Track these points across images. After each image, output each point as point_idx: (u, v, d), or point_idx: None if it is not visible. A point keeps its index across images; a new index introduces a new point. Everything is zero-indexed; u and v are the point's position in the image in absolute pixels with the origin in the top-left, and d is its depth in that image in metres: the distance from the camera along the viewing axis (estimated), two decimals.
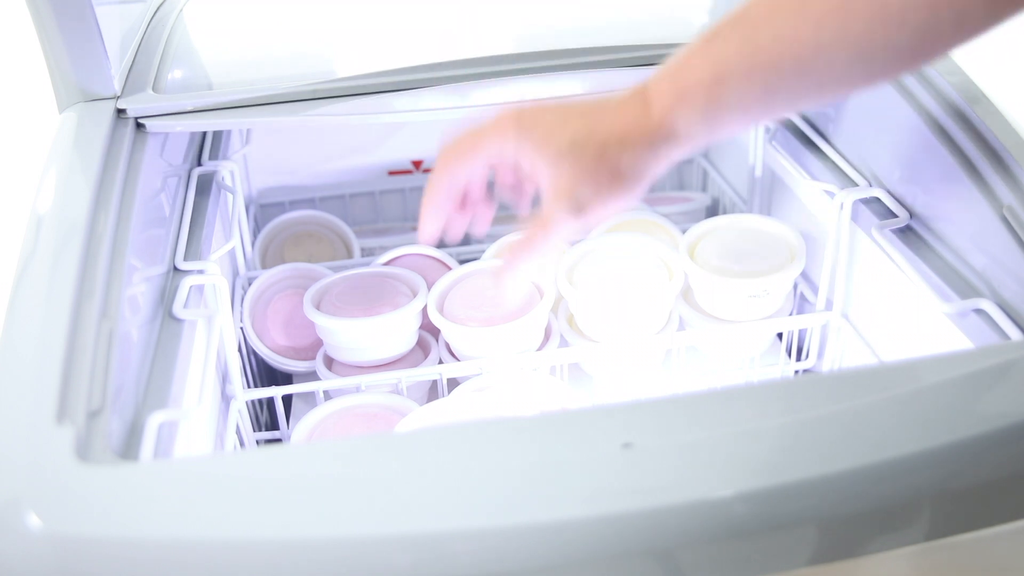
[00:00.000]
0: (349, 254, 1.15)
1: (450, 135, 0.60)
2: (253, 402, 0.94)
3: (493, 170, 0.61)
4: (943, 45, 0.48)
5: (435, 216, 0.61)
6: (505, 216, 1.26)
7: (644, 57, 0.86)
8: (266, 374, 1.03)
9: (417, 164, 1.27)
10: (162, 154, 0.84)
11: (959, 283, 0.74)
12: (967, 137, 0.75)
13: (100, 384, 0.55)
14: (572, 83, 0.84)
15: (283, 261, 1.11)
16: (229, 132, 1.05)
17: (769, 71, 0.50)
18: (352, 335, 0.89)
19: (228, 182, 0.95)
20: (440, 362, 0.93)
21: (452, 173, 0.60)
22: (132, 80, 0.84)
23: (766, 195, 1.07)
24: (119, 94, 0.81)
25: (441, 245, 1.24)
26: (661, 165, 0.56)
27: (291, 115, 0.81)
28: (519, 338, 0.89)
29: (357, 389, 0.88)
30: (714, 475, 0.47)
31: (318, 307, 0.91)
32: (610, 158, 0.55)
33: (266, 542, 0.45)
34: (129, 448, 0.57)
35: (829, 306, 0.95)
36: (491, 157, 0.59)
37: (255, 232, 1.18)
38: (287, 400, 0.95)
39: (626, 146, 0.55)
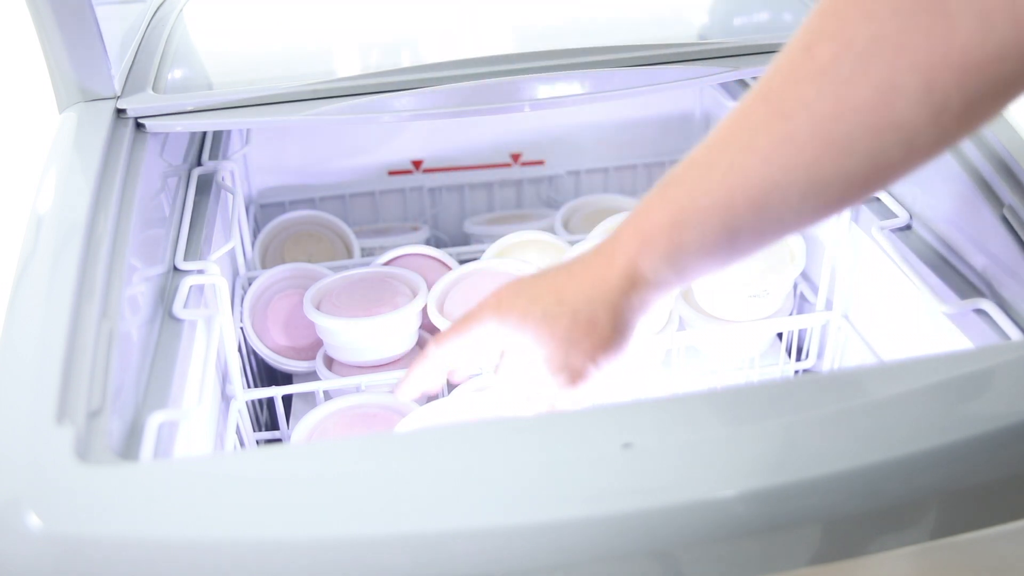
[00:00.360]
0: (349, 254, 1.15)
1: (447, 327, 0.64)
2: (253, 402, 0.94)
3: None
4: (896, 171, 0.47)
5: (417, 385, 0.65)
6: (505, 216, 1.27)
7: (644, 57, 0.86)
8: (266, 374, 1.03)
9: (417, 164, 1.27)
10: (162, 154, 0.84)
11: (959, 283, 0.74)
12: (967, 137, 0.75)
13: (100, 384, 0.55)
14: (572, 83, 0.84)
15: (283, 261, 1.11)
16: (229, 132, 1.05)
17: (725, 211, 0.50)
18: (352, 335, 0.89)
19: (228, 182, 0.95)
20: None
21: (442, 354, 0.63)
22: (132, 80, 0.84)
23: None
24: (119, 94, 0.81)
25: (441, 245, 1.24)
26: (638, 313, 0.57)
27: (291, 115, 0.81)
28: None
29: (357, 389, 0.88)
30: (714, 475, 0.47)
31: (318, 307, 0.91)
32: (583, 319, 0.56)
33: (266, 542, 0.45)
34: (129, 448, 0.57)
35: (829, 306, 0.95)
36: (479, 342, 0.61)
37: (255, 232, 1.18)
38: (287, 400, 0.95)
39: (597, 303, 0.56)
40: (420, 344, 0.95)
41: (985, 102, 0.43)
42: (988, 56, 0.41)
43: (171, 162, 0.88)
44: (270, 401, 0.95)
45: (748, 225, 0.50)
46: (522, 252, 1.01)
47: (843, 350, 0.95)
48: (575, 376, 0.57)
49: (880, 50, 0.43)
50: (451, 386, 0.89)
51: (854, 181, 0.47)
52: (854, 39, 0.44)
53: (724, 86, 1.13)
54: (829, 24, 0.45)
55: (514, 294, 0.59)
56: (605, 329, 0.56)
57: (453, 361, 0.64)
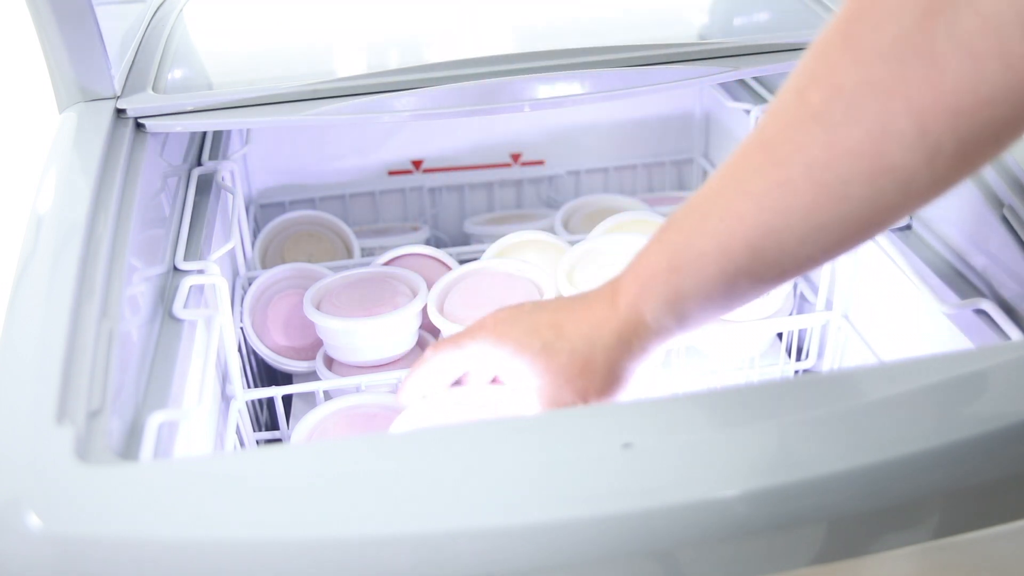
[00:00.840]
0: (349, 254, 1.15)
1: (439, 340, 0.63)
2: (253, 402, 0.94)
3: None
4: (894, 214, 0.46)
5: (416, 390, 0.65)
6: (505, 216, 1.27)
7: (644, 57, 0.86)
8: (266, 374, 1.03)
9: (417, 164, 1.27)
10: (162, 154, 0.84)
11: (959, 283, 0.74)
12: None
13: (100, 384, 0.55)
14: (572, 83, 0.84)
15: (283, 261, 1.11)
16: (229, 132, 1.05)
17: (722, 256, 0.49)
18: (352, 335, 0.89)
19: (228, 182, 0.95)
20: None
21: (433, 368, 0.63)
22: (132, 80, 0.84)
23: None
24: (119, 94, 0.81)
25: (441, 245, 1.24)
26: (637, 358, 0.56)
27: (291, 115, 0.81)
28: None
29: (357, 389, 0.88)
30: (714, 475, 0.47)
31: (318, 307, 0.91)
32: (580, 359, 0.55)
33: (266, 542, 0.45)
34: (129, 448, 0.57)
35: (829, 306, 0.95)
36: (471, 360, 0.61)
37: (255, 232, 1.18)
38: (287, 400, 0.95)
39: (595, 344, 0.55)
40: (420, 344, 0.95)
41: (980, 146, 0.43)
42: (980, 100, 0.41)
43: (171, 162, 0.88)
44: (270, 401, 0.95)
45: (746, 270, 0.49)
46: (522, 252, 1.01)
47: (843, 350, 0.95)
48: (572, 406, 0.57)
49: (871, 95, 0.43)
50: None
51: (852, 225, 0.47)
52: (844, 84, 0.44)
53: (724, 86, 1.13)
54: (819, 68, 0.45)
55: (513, 321, 0.59)
56: (600, 371, 0.56)
57: (448, 371, 0.63)
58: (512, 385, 0.62)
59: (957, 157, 0.43)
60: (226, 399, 0.85)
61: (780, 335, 1.03)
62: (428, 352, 0.64)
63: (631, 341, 0.55)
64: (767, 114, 0.48)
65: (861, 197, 0.45)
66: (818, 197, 0.46)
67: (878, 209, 0.46)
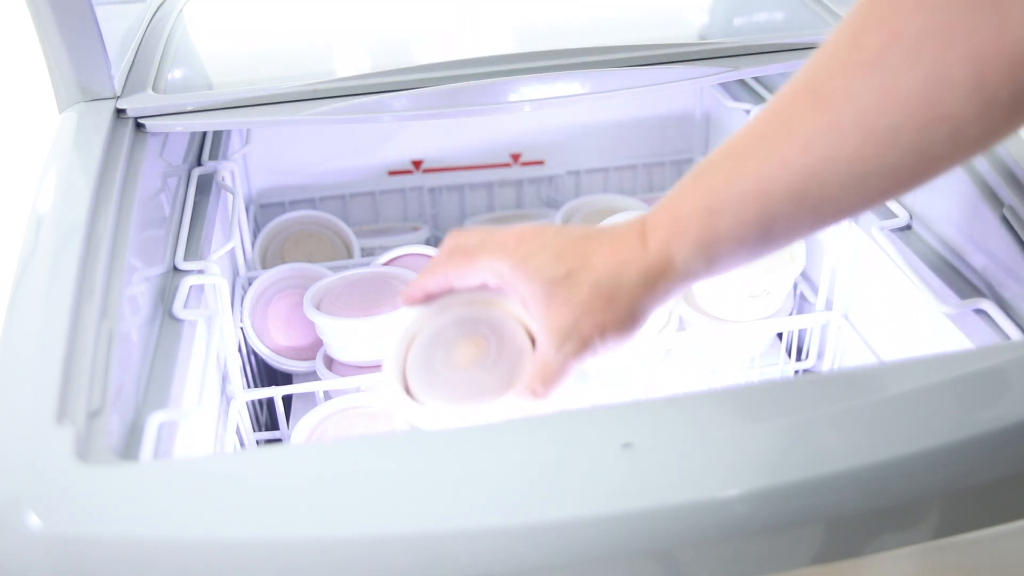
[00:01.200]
0: (349, 254, 1.15)
1: (460, 233, 0.60)
2: (253, 402, 0.94)
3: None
4: (940, 164, 0.46)
5: (421, 292, 0.62)
6: (505, 216, 1.27)
7: (644, 57, 0.86)
8: (266, 374, 1.03)
9: (417, 164, 1.27)
10: (162, 154, 0.84)
11: (959, 283, 0.74)
12: None
13: (100, 384, 0.55)
14: (572, 83, 0.84)
15: (283, 261, 1.11)
16: (229, 132, 1.05)
17: (761, 200, 0.48)
18: (352, 335, 0.89)
19: (228, 182, 0.95)
20: None
21: (446, 274, 0.60)
22: (132, 80, 0.84)
23: None
24: (119, 94, 0.81)
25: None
26: (659, 300, 0.54)
27: (291, 115, 0.81)
28: None
29: (357, 389, 0.88)
30: (714, 475, 0.47)
31: (318, 307, 0.91)
32: (604, 293, 0.53)
33: (266, 542, 0.45)
34: (129, 448, 0.57)
35: (829, 306, 0.95)
36: (485, 273, 0.58)
37: (255, 232, 1.18)
38: (287, 400, 0.95)
39: (621, 280, 0.53)
40: None
41: None
42: None
43: (171, 162, 0.88)
44: (270, 401, 0.95)
45: (784, 215, 0.49)
46: None
47: (843, 350, 0.95)
48: (582, 345, 0.54)
49: (930, 42, 0.42)
50: None
51: (897, 174, 0.46)
52: (904, 30, 0.43)
53: (724, 86, 1.13)
54: (877, 14, 0.44)
55: (537, 244, 0.56)
56: (622, 309, 0.53)
57: (455, 283, 0.61)
58: (515, 305, 0.59)
59: (1011, 107, 0.43)
60: (226, 399, 0.85)
61: (780, 335, 1.03)
62: (439, 259, 0.60)
63: (656, 282, 0.53)
64: (813, 61, 0.47)
65: (909, 146, 0.45)
66: (866, 143, 0.45)
67: (925, 159, 0.45)
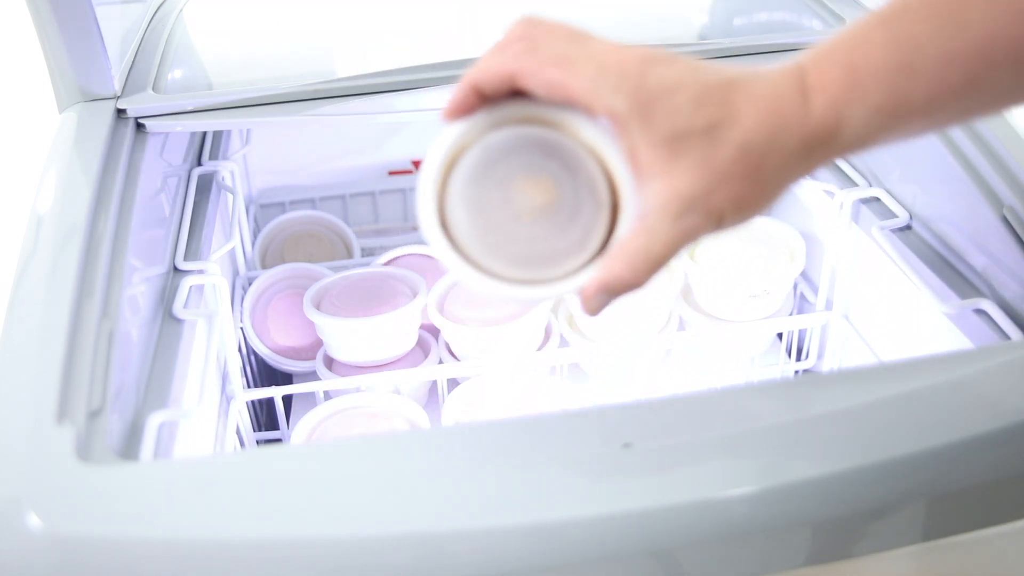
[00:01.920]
0: (349, 254, 1.15)
1: (545, 26, 0.45)
2: (253, 402, 0.94)
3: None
4: None
5: (475, 93, 0.47)
6: None
7: None
8: (266, 374, 1.03)
9: (417, 164, 1.27)
10: (162, 154, 0.84)
11: (959, 283, 0.74)
12: (967, 137, 0.75)
13: (100, 384, 0.55)
14: None
15: (283, 261, 1.11)
16: (229, 132, 1.05)
17: (977, 60, 0.39)
18: (352, 335, 0.89)
19: (228, 182, 0.95)
20: (440, 362, 0.93)
21: (512, 75, 0.44)
22: (132, 80, 0.84)
23: None
24: (119, 94, 0.81)
25: None
26: (807, 174, 0.44)
27: (291, 115, 0.81)
28: (519, 338, 0.89)
29: (357, 389, 0.88)
30: (714, 475, 0.47)
31: (318, 307, 0.91)
32: (754, 157, 0.42)
33: (266, 542, 0.45)
34: (129, 448, 0.57)
35: (829, 306, 0.95)
36: (581, 99, 0.43)
37: (255, 232, 1.18)
38: (287, 400, 0.95)
39: (775, 144, 0.42)
40: (420, 344, 0.95)
41: None
42: None
43: (171, 162, 0.88)
44: (270, 401, 0.95)
45: (995, 83, 0.41)
46: None
47: (843, 350, 0.95)
48: (706, 220, 0.43)
49: None
50: (451, 386, 0.89)
51: None
52: None
53: None
54: None
55: (671, 83, 0.42)
56: (768, 182, 0.43)
57: (524, 86, 0.45)
58: (590, 130, 0.45)
59: None
60: (226, 399, 0.85)
61: (780, 335, 1.03)
62: (505, 57, 0.45)
63: (815, 153, 0.43)
64: None
65: None
66: None
67: None
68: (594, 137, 0.45)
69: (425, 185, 0.46)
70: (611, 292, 0.44)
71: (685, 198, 0.42)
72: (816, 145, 0.42)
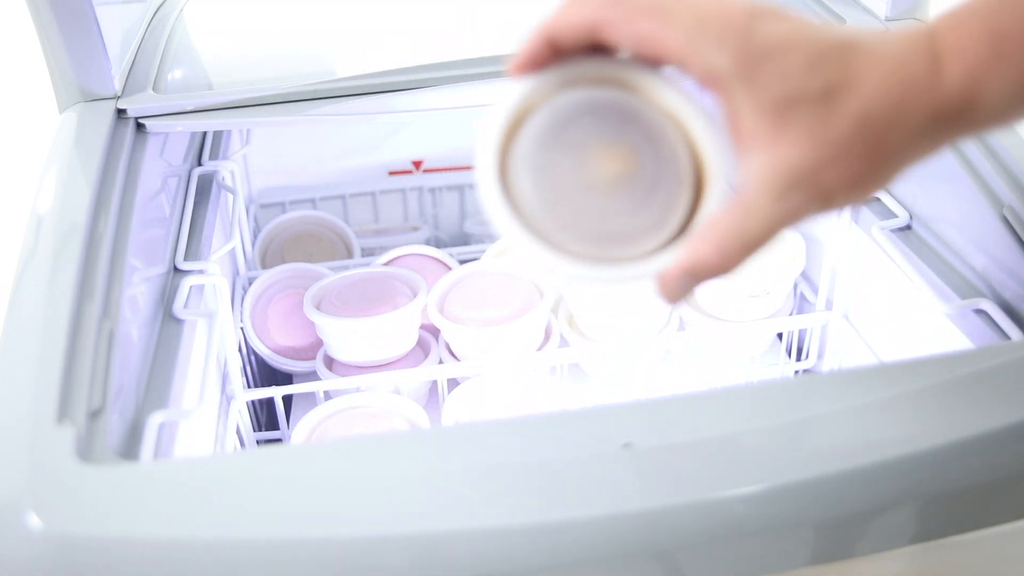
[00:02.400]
0: (349, 254, 1.15)
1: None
2: (253, 402, 0.94)
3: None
4: None
5: (548, 45, 0.41)
6: None
7: None
8: (266, 374, 1.03)
9: (417, 164, 1.27)
10: (162, 154, 0.84)
11: (959, 283, 0.74)
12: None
13: (100, 384, 0.55)
14: None
15: (283, 261, 1.11)
16: (229, 132, 1.05)
17: None
18: (352, 335, 0.89)
19: (228, 182, 0.95)
20: (440, 362, 0.93)
21: (593, 27, 0.39)
22: (132, 80, 0.84)
23: None
24: (119, 94, 0.81)
25: (441, 245, 1.24)
26: (932, 153, 0.40)
27: (291, 115, 0.81)
28: (519, 338, 0.89)
29: (357, 389, 0.88)
30: (714, 475, 0.47)
31: (318, 307, 0.91)
32: (872, 133, 0.37)
33: (266, 542, 0.45)
34: (129, 448, 0.57)
35: (829, 306, 0.95)
36: (673, 56, 0.38)
37: (255, 232, 1.18)
38: (287, 400, 0.95)
39: (899, 119, 0.37)
40: (420, 344, 0.95)
41: None
42: None
43: (171, 162, 0.88)
44: (270, 401, 0.95)
45: None
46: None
47: (843, 350, 0.95)
48: (815, 200, 0.38)
49: None
50: (451, 386, 0.89)
51: None
52: None
53: None
54: None
55: (782, 41, 0.37)
56: (889, 159, 0.38)
57: (605, 39, 0.39)
58: (673, 96, 0.41)
59: None
60: (226, 399, 0.85)
61: (780, 335, 1.03)
62: (590, 14, 0.39)
63: (943, 127, 0.38)
64: None
65: None
66: None
67: None
68: (678, 104, 0.41)
69: (486, 147, 0.41)
70: (695, 277, 0.40)
71: (791, 173, 0.38)
72: (947, 119, 0.38)
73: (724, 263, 0.39)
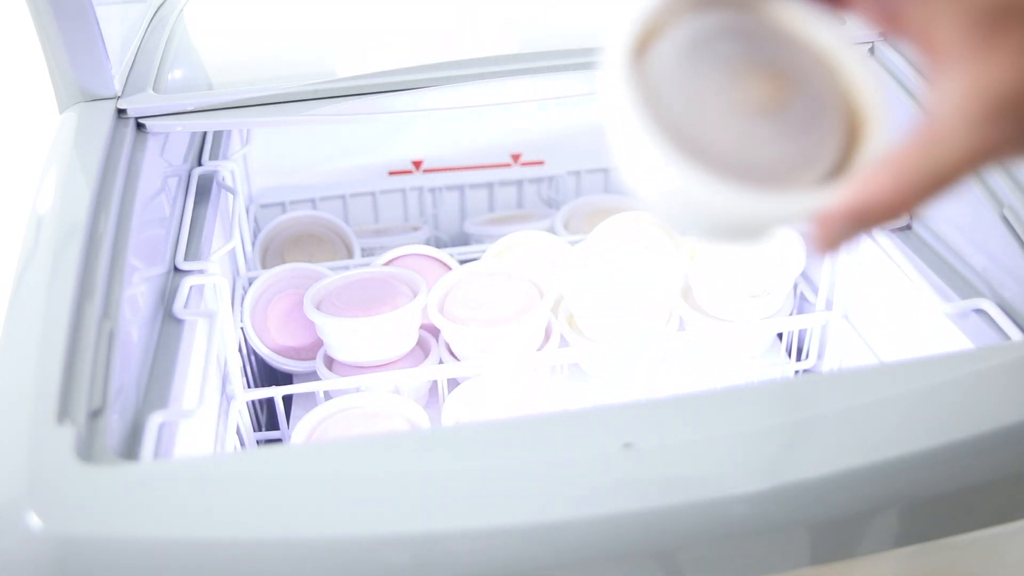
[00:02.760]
0: (349, 254, 1.15)
1: None
2: (253, 402, 0.94)
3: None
4: None
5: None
6: (505, 216, 1.27)
7: None
8: (266, 374, 1.03)
9: (417, 164, 1.27)
10: (162, 154, 0.84)
11: (959, 283, 0.74)
12: None
13: (100, 384, 0.55)
14: (572, 83, 0.84)
15: (283, 261, 1.11)
16: (229, 132, 1.05)
17: None
18: (352, 335, 0.89)
19: (228, 182, 0.95)
20: (440, 362, 0.93)
21: None
22: (132, 80, 0.84)
23: None
24: (119, 94, 0.81)
25: (441, 245, 1.24)
26: None
27: (291, 115, 0.81)
28: (519, 338, 0.89)
29: (357, 389, 0.88)
30: (714, 475, 0.47)
31: (318, 307, 0.91)
32: None
33: (266, 542, 0.45)
34: (129, 448, 0.57)
35: (829, 306, 0.95)
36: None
37: (255, 232, 1.18)
38: (287, 400, 0.95)
39: None
40: (420, 344, 0.95)
41: None
42: None
43: (171, 162, 0.88)
44: (270, 401, 0.95)
45: None
46: (522, 252, 1.01)
47: (843, 350, 0.95)
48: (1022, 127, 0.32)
49: None
50: (451, 386, 0.89)
51: None
52: None
53: None
54: None
55: None
56: None
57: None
58: (832, 36, 0.36)
59: None
60: (226, 399, 0.85)
61: (780, 335, 1.03)
62: None
63: None
64: None
65: None
66: None
67: None
68: (827, 35, 0.36)
69: (619, 47, 0.36)
70: (863, 220, 0.33)
71: (1000, 97, 0.31)
72: None
73: (901, 202, 0.33)
